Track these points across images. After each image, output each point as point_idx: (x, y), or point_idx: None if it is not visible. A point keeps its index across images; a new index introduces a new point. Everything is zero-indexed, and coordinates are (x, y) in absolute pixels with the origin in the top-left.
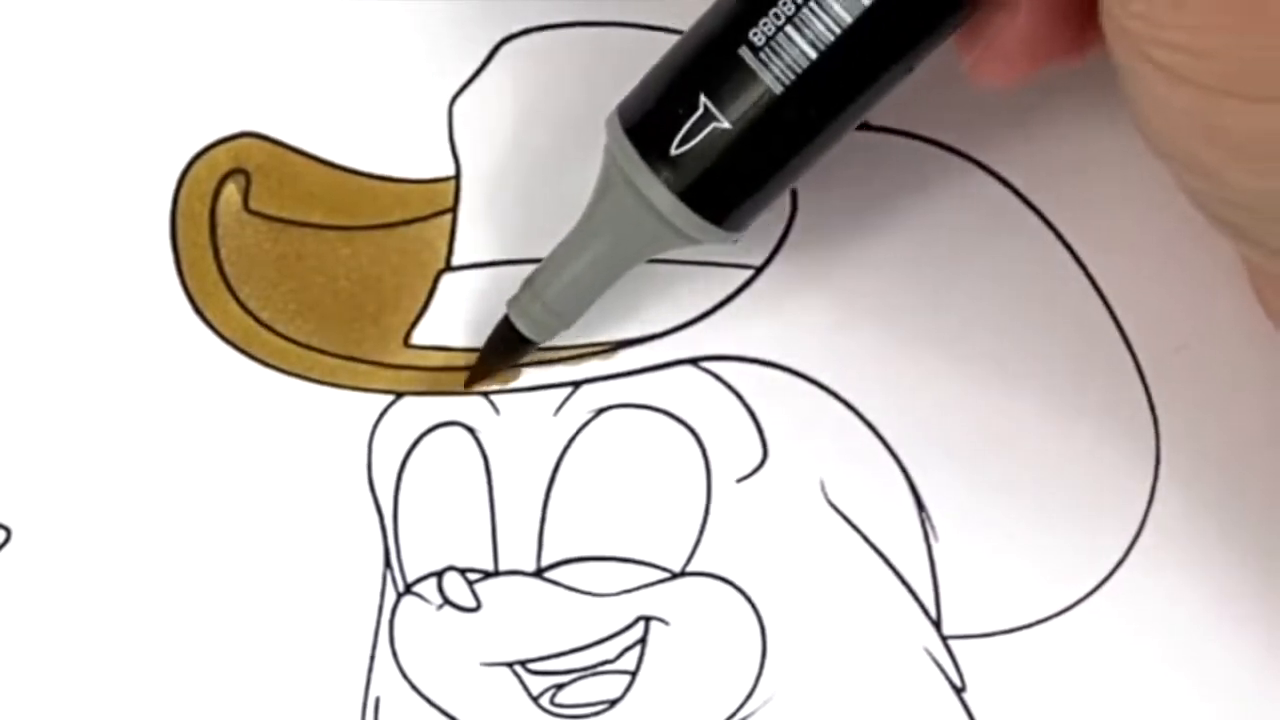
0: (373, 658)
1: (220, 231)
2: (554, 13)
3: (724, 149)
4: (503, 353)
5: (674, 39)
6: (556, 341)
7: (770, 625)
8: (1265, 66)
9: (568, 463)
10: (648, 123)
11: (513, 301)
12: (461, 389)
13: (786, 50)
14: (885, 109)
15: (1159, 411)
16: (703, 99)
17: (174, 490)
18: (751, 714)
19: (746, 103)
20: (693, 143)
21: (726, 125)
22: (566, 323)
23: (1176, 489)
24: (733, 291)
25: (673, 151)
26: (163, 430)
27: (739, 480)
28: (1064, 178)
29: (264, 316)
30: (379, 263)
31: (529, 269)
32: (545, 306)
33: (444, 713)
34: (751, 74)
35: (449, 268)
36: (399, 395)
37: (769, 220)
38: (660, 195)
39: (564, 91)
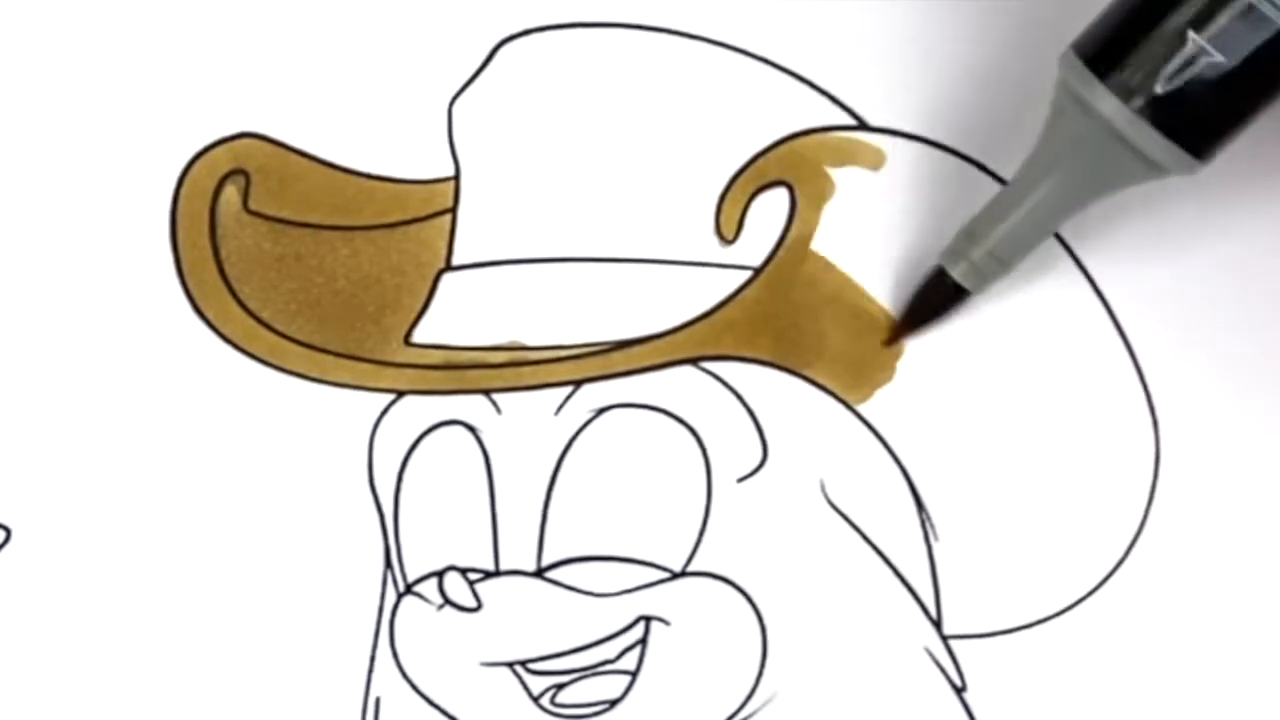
0: (373, 658)
1: (220, 232)
2: (554, 13)
3: (1217, 82)
4: (934, 305)
5: (679, 40)
6: (556, 341)
7: (771, 625)
8: None
9: (568, 462)
10: (1116, 56)
11: (947, 252)
12: (462, 388)
13: None
14: (886, 109)
15: (1159, 412)
16: (1191, 35)
17: (174, 490)
18: (752, 714)
19: (1249, 38)
20: (1180, 78)
21: (1220, 59)
22: (1007, 268)
23: (1176, 489)
24: (733, 291)
25: (1158, 88)
26: (163, 430)
27: (739, 480)
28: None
29: (264, 316)
30: (379, 263)
31: (530, 269)
32: (989, 252)
33: (444, 713)
34: (1254, 10)
35: (449, 267)
36: (400, 394)
37: (769, 220)
38: (1132, 122)
39: (564, 91)
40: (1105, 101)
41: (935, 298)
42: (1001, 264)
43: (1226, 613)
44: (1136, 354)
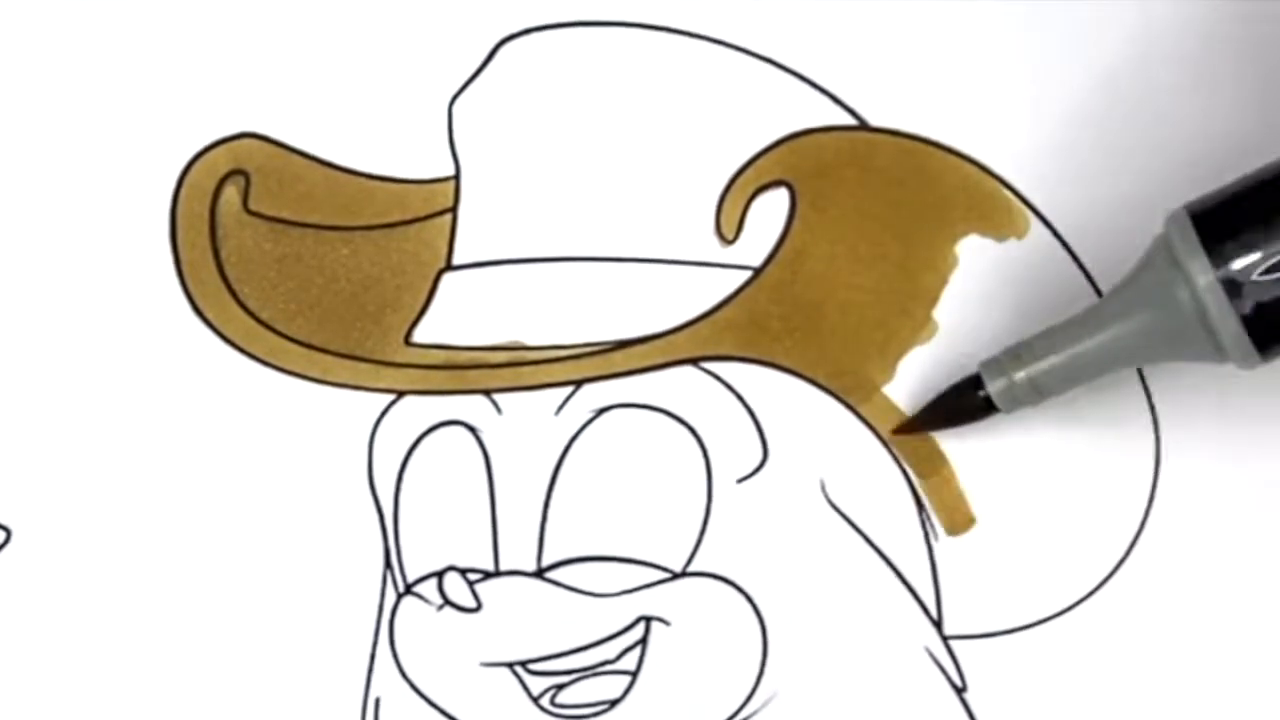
0: (373, 658)
1: (220, 232)
2: (554, 12)
3: None
4: (958, 412)
5: (679, 39)
6: (557, 341)
7: (771, 625)
8: None
9: (569, 462)
10: (1227, 231)
11: (990, 363)
12: (462, 388)
13: None
14: (886, 109)
15: (1159, 411)
16: None
17: (174, 490)
18: (752, 714)
19: None
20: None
21: None
22: (1041, 399)
23: (1176, 489)
24: (733, 291)
25: (1256, 277)
26: (163, 430)
27: (740, 480)
28: (1063, 177)
29: (264, 316)
30: (379, 263)
31: (530, 268)
32: (1030, 378)
33: (444, 713)
34: None
35: (449, 267)
36: (400, 394)
37: (769, 220)
38: (1219, 304)
39: (564, 91)
40: (1204, 275)
41: (961, 404)
42: (1038, 393)
43: (1226, 613)
44: None
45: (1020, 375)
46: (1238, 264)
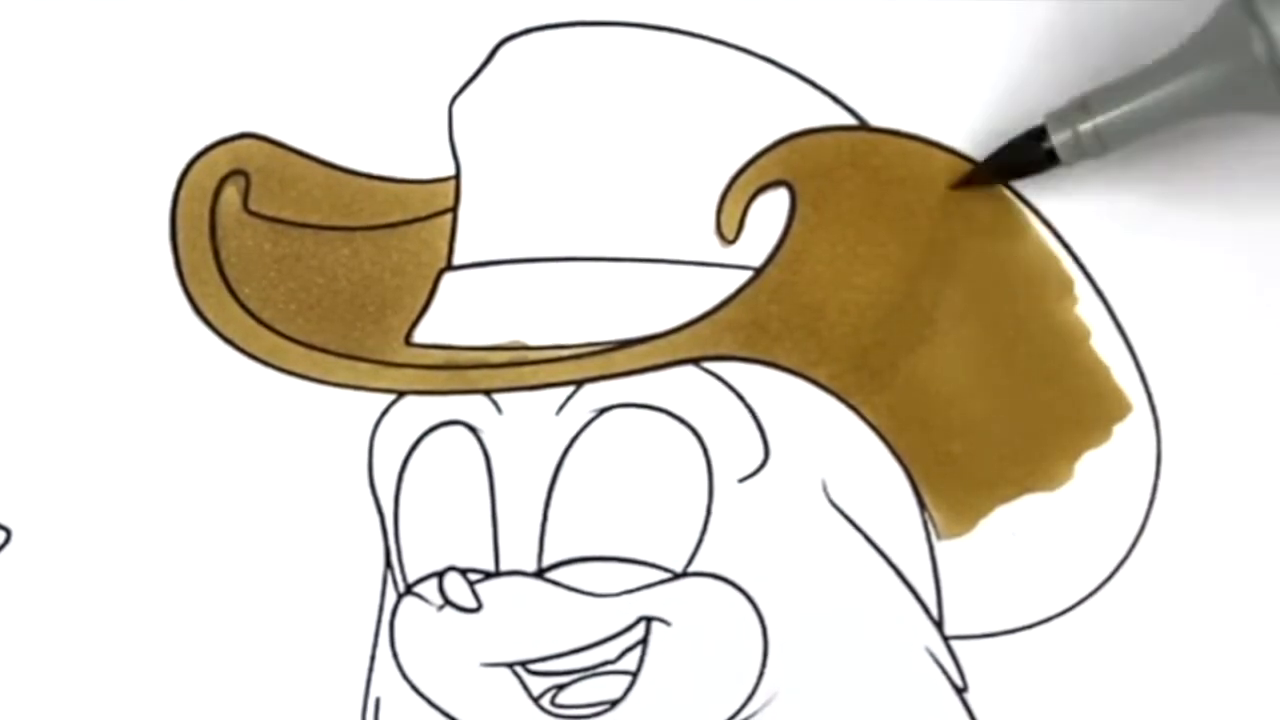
0: (373, 658)
1: (220, 232)
2: (554, 12)
3: None
4: (1021, 163)
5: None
6: (558, 341)
7: (772, 625)
8: None
9: (569, 462)
10: None
11: (1055, 115)
12: (463, 388)
13: None
14: (886, 109)
15: (1159, 411)
16: None
17: (174, 490)
18: (753, 714)
19: None
20: None
21: None
22: (1105, 151)
23: (1176, 489)
24: (733, 292)
25: None
26: (163, 430)
27: (741, 480)
28: (1064, 179)
29: (264, 316)
30: (379, 263)
31: (531, 268)
32: (1095, 128)
33: (444, 713)
34: None
35: (450, 267)
36: (400, 394)
37: (770, 220)
38: None
39: (564, 91)
40: (1278, 24)
41: (1025, 155)
42: (1102, 145)
43: (1226, 613)
44: (1137, 354)
45: (1086, 126)
46: None
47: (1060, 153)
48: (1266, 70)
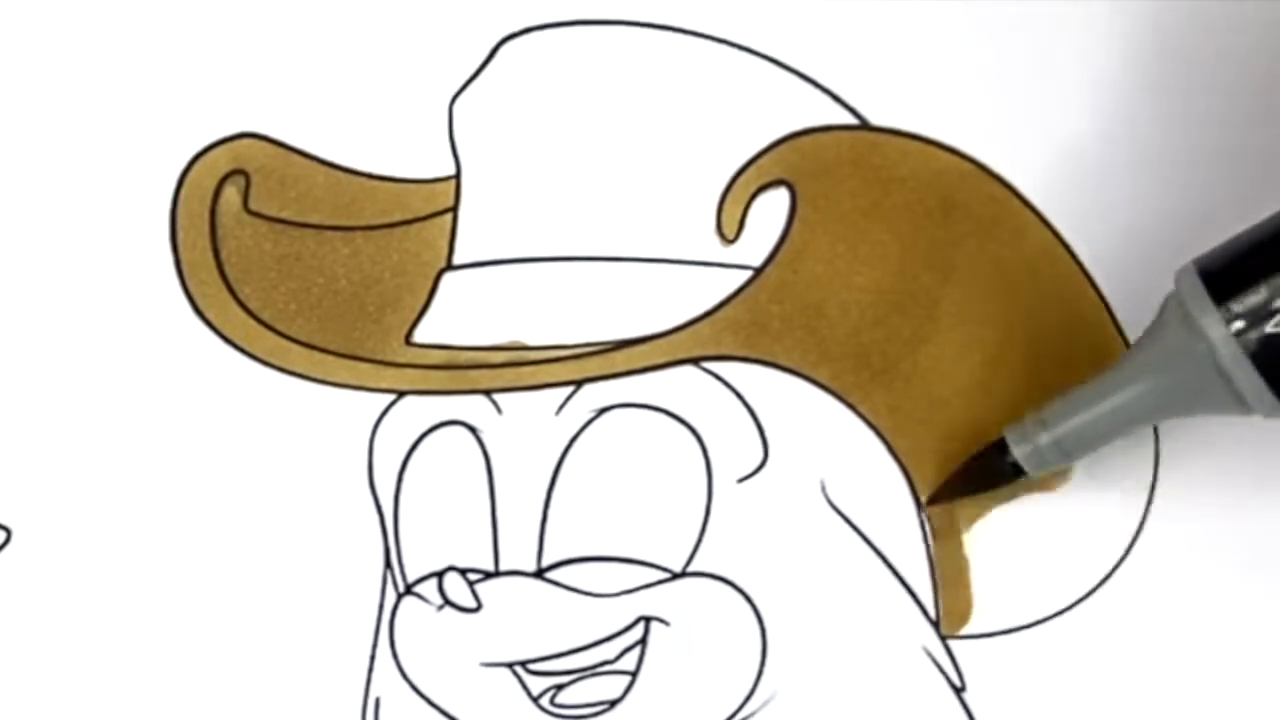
0: (373, 658)
1: (220, 232)
2: (554, 11)
3: None
4: (986, 478)
5: (679, 39)
6: (557, 340)
7: (771, 625)
8: None
9: (569, 462)
10: (1237, 285)
11: (1014, 428)
12: (463, 388)
13: None
14: (886, 109)
15: None
16: None
17: (174, 490)
18: (752, 714)
19: None
20: None
21: None
22: (1070, 459)
23: (1176, 489)
24: (733, 291)
25: (1270, 328)
26: (163, 430)
27: (740, 480)
28: (1065, 178)
29: (264, 316)
30: (379, 262)
31: (531, 268)
32: (1056, 441)
33: (444, 713)
34: None
35: (450, 266)
36: (400, 394)
37: (770, 219)
38: (1236, 358)
39: (564, 90)
40: (1215, 329)
41: (990, 470)
42: (1065, 455)
43: (1225, 613)
44: None
45: (1045, 439)
46: (1251, 318)
47: (1025, 465)
48: (1213, 377)
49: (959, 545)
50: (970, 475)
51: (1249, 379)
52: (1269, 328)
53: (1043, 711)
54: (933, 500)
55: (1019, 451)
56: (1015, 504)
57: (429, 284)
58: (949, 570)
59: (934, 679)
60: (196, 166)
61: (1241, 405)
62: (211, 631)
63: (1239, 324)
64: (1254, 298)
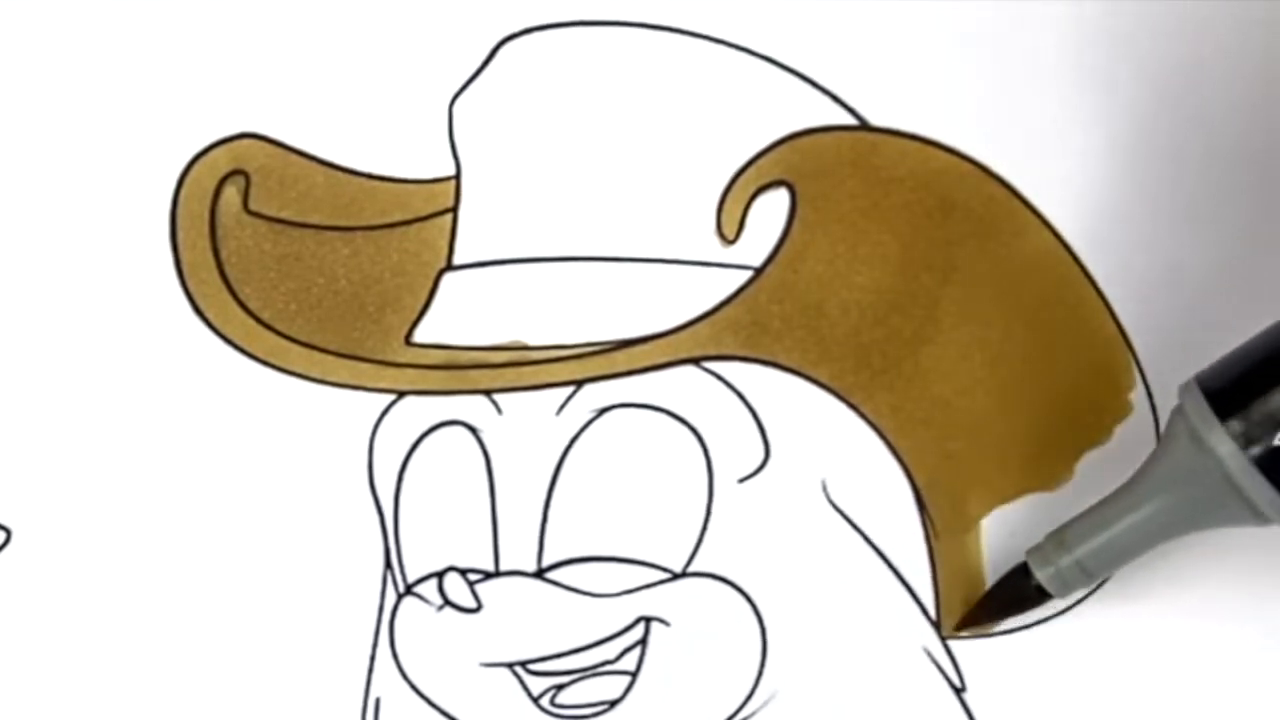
0: (373, 658)
1: (220, 232)
2: (554, 12)
3: None
4: (1013, 602)
5: (679, 39)
6: (558, 341)
7: (771, 625)
8: None
9: (569, 462)
10: (1241, 399)
11: (1035, 551)
12: (463, 388)
13: None
14: (886, 109)
15: (1159, 412)
16: None
17: (174, 490)
18: (752, 714)
19: None
20: None
21: None
22: (1092, 579)
23: None
24: (733, 291)
25: (1277, 441)
26: (163, 430)
27: (741, 480)
28: (1065, 178)
29: (264, 316)
30: (379, 262)
31: (531, 268)
32: (1077, 562)
33: (444, 713)
34: None
35: (450, 267)
36: (400, 395)
37: (770, 220)
38: (1246, 470)
39: (564, 91)
40: (1223, 445)
41: (1015, 595)
42: (1088, 575)
43: (1225, 613)
44: (1137, 353)
45: (1065, 560)
46: (1258, 430)
47: (1048, 587)
48: (1227, 492)
49: (959, 545)
50: (996, 601)
51: (1261, 490)
52: (1277, 440)
53: (1043, 711)
54: (960, 627)
55: (1041, 575)
56: (1016, 505)
57: (429, 284)
58: (949, 570)
59: (934, 679)
60: (196, 167)
61: (1258, 516)
62: (212, 631)
63: (1245, 438)
64: (1258, 411)
